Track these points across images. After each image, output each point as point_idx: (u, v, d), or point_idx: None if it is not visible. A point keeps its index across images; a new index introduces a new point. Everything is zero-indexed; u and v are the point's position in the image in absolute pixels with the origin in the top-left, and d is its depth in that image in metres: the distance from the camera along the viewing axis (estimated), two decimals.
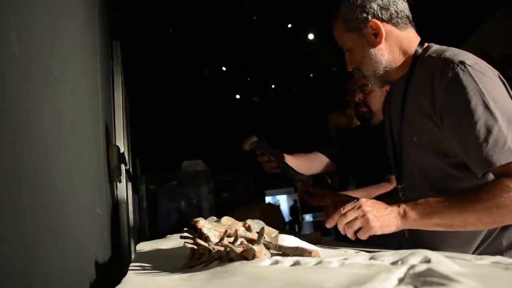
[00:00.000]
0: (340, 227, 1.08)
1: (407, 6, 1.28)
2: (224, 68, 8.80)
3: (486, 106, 1.04)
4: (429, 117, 1.16)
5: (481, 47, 3.88)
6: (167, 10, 5.99)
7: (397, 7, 1.24)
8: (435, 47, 1.25)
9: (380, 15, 1.23)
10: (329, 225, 1.11)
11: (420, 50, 1.26)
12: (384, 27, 1.24)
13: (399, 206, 1.07)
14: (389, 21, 1.24)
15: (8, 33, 0.56)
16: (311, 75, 9.56)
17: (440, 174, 1.20)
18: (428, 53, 1.23)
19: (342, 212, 1.08)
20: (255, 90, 10.35)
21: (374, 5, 1.23)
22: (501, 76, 1.14)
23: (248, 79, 9.65)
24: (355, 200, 1.09)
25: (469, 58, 1.12)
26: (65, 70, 0.96)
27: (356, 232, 1.07)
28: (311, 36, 7.51)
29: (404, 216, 1.06)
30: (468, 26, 4.32)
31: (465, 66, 1.09)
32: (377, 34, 1.23)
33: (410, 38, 1.27)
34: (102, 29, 1.90)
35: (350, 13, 1.25)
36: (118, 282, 0.80)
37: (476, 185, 1.07)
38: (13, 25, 0.58)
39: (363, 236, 1.06)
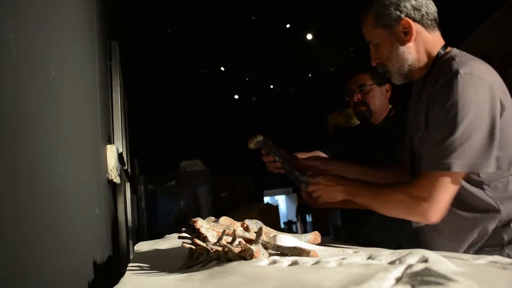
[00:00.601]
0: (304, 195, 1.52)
1: (436, 10, 1.33)
2: (222, 68, 8.80)
3: (456, 118, 1.13)
4: (426, 118, 1.25)
5: (480, 47, 3.88)
6: (165, 10, 5.98)
7: (428, 9, 1.29)
8: (453, 52, 1.29)
9: (412, 14, 1.28)
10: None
11: (442, 53, 1.30)
12: (415, 27, 1.28)
13: (343, 185, 1.38)
14: (420, 21, 1.29)
15: (6, 33, 0.56)
16: (310, 75, 9.56)
17: None
18: (446, 57, 1.28)
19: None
20: (254, 90, 10.36)
21: (408, 5, 1.27)
22: (495, 90, 1.17)
23: (247, 79, 9.65)
24: (319, 178, 1.45)
25: (468, 67, 1.17)
26: (63, 70, 0.95)
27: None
28: (309, 36, 7.51)
29: (343, 193, 1.38)
30: (467, 26, 4.32)
31: (457, 76, 1.15)
32: (407, 32, 1.28)
33: (435, 40, 1.32)
34: (101, 30, 1.90)
35: (383, 10, 1.29)
36: (116, 282, 0.80)
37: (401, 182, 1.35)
38: (11, 26, 0.58)
39: (319, 201, 1.45)
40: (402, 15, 1.27)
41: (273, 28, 7.00)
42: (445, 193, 1.16)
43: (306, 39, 7.57)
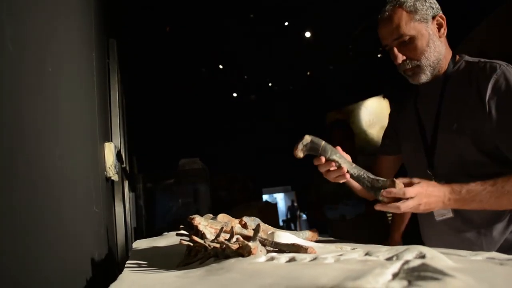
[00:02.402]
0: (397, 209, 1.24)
1: None
2: (221, 66, 8.78)
3: None
4: (474, 107, 1.31)
5: (479, 45, 3.87)
6: (164, 7, 5.97)
7: None
8: (466, 57, 1.43)
9: (441, 14, 1.40)
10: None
11: (455, 59, 1.43)
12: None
13: (444, 195, 1.23)
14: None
15: (3, 29, 0.56)
16: (308, 73, 9.56)
17: (472, 157, 1.33)
18: (463, 59, 1.41)
19: (402, 197, 1.19)
20: (252, 88, 10.35)
21: (437, 6, 1.40)
22: None
23: (245, 77, 9.64)
24: (414, 185, 1.20)
25: (497, 61, 1.31)
26: (60, 68, 0.95)
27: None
28: (308, 34, 7.51)
29: (447, 204, 1.24)
30: (466, 24, 4.32)
31: (501, 68, 1.28)
32: (440, 27, 1.39)
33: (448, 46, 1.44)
34: (99, 27, 1.90)
35: (419, 5, 1.38)
36: (114, 279, 0.80)
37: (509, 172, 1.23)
38: (8, 22, 0.58)
39: (411, 209, 1.22)
40: (435, 12, 1.39)
41: (271, 26, 6.99)
42: None
43: (305, 36, 7.56)
